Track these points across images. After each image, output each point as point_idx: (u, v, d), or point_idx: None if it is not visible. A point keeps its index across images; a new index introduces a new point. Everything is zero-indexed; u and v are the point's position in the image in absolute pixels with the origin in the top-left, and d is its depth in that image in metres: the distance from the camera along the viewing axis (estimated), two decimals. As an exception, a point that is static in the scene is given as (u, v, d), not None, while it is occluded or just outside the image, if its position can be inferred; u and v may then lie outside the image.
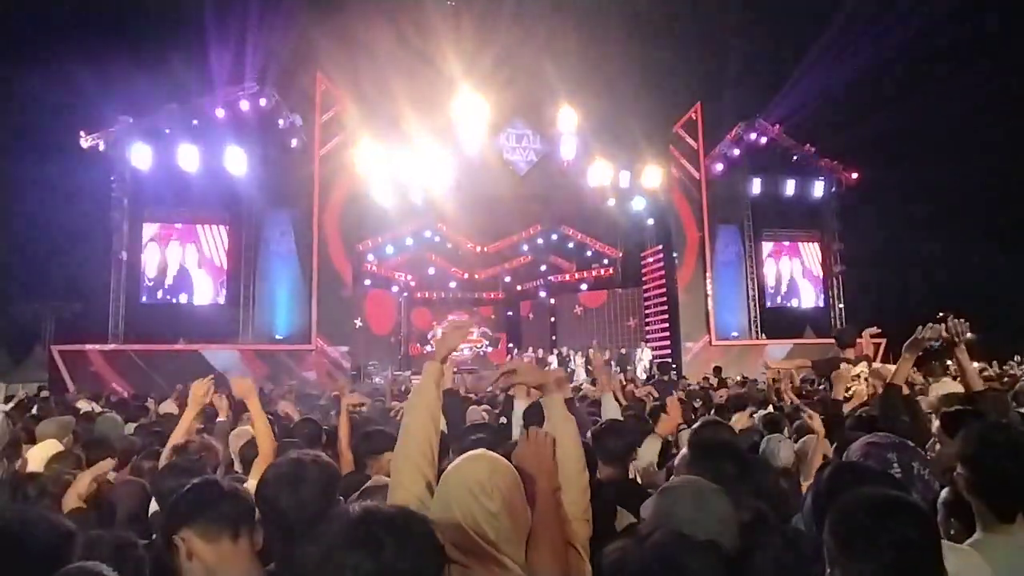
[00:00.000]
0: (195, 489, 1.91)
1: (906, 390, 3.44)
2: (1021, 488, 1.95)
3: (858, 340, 6.71)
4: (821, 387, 6.88)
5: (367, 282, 22.89)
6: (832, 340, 6.99)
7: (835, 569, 1.44)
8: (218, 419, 5.00)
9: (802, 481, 3.27)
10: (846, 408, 4.64)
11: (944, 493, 2.13)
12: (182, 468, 2.50)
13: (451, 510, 1.62)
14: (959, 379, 3.52)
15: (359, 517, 1.32)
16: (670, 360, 19.00)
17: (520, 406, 3.96)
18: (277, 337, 18.89)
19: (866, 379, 5.85)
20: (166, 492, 2.47)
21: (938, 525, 1.50)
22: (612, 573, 1.49)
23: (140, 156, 17.95)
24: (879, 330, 7.39)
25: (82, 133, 17.67)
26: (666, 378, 9.88)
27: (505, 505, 1.61)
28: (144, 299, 18.99)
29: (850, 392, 5.59)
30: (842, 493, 1.56)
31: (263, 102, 18.80)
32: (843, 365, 5.88)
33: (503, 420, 4.43)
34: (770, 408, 6.10)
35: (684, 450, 2.31)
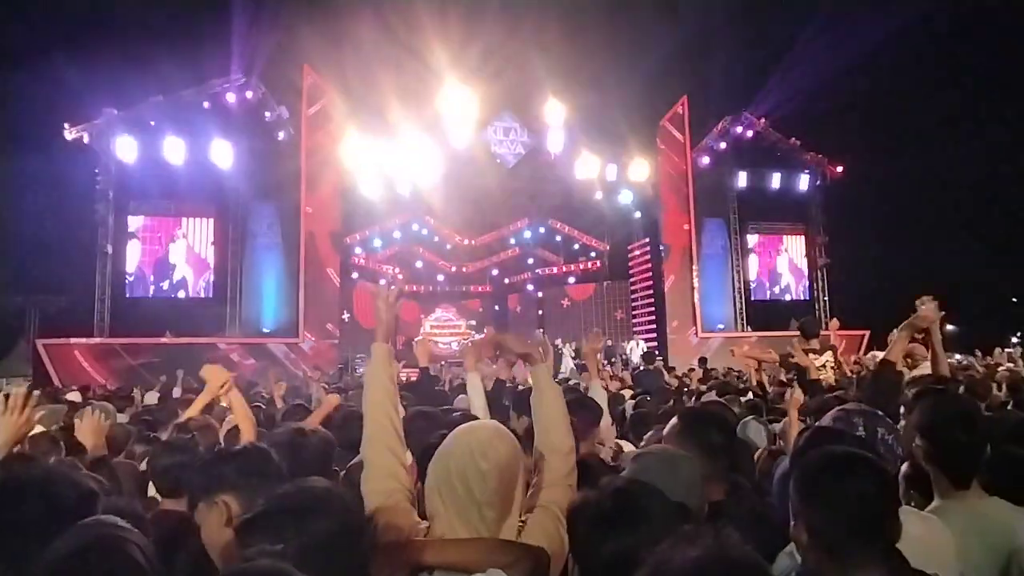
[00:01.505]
0: (243, 455, 1.97)
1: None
2: (974, 456, 2.07)
3: (823, 332, 6.91)
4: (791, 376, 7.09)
5: (355, 275, 22.88)
6: (814, 334, 7.15)
7: (798, 521, 1.52)
8: (219, 404, 5.06)
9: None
10: None
11: (904, 467, 2.24)
12: (177, 446, 2.55)
13: (448, 465, 1.71)
14: (931, 363, 3.63)
15: (280, 496, 1.45)
16: (656, 352, 19.13)
17: (474, 380, 3.93)
18: (264, 330, 18.88)
19: (832, 367, 6.03)
20: (160, 470, 2.53)
21: (896, 482, 1.60)
22: (575, 516, 1.58)
23: (125, 148, 17.83)
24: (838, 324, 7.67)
25: (66, 125, 17.51)
26: (652, 367, 9.99)
27: (497, 468, 1.68)
28: (130, 293, 18.89)
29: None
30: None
31: (250, 94, 18.77)
32: (809, 355, 6.07)
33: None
34: (750, 395, 6.24)
35: (673, 420, 2.39)
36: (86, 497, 1.50)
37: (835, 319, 7.35)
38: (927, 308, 3.29)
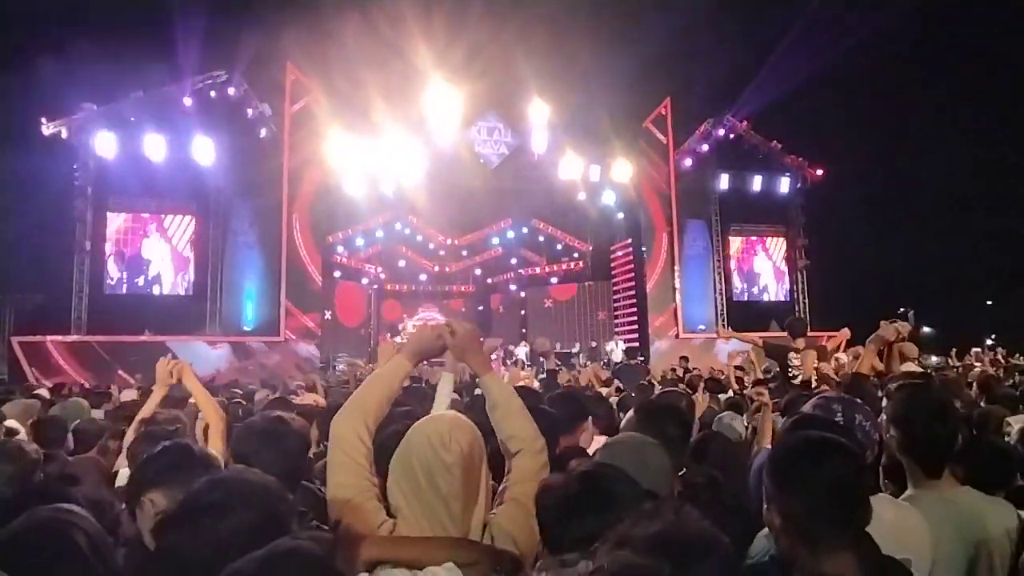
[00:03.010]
0: (168, 451, 1.92)
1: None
2: (947, 445, 2.12)
3: (827, 335, 6.97)
4: (771, 374, 7.15)
5: (337, 274, 22.78)
6: (800, 334, 7.21)
7: (771, 506, 1.54)
8: (189, 400, 5.05)
9: (754, 450, 3.42)
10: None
11: (884, 458, 2.29)
12: (158, 436, 2.53)
13: (411, 460, 1.69)
14: (883, 360, 3.79)
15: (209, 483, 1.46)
16: (638, 351, 19.26)
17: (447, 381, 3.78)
18: (245, 329, 18.73)
19: (814, 368, 6.09)
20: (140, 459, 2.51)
21: (867, 468, 1.62)
22: (540, 498, 1.59)
23: (105, 144, 17.61)
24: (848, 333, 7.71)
25: (43, 120, 17.28)
26: (633, 363, 10.05)
27: (461, 460, 1.66)
28: (108, 290, 18.67)
29: (796, 379, 5.82)
30: (791, 440, 1.67)
31: (232, 91, 18.60)
32: (791, 354, 6.12)
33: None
34: (730, 393, 6.30)
35: (630, 413, 2.41)
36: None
37: (846, 328, 7.42)
38: (886, 328, 3.59)
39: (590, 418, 3.22)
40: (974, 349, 12.53)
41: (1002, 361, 10.52)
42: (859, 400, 2.22)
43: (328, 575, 1.16)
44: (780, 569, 1.53)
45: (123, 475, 2.97)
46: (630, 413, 2.41)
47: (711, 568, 1.06)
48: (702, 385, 6.67)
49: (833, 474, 1.49)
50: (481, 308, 28.24)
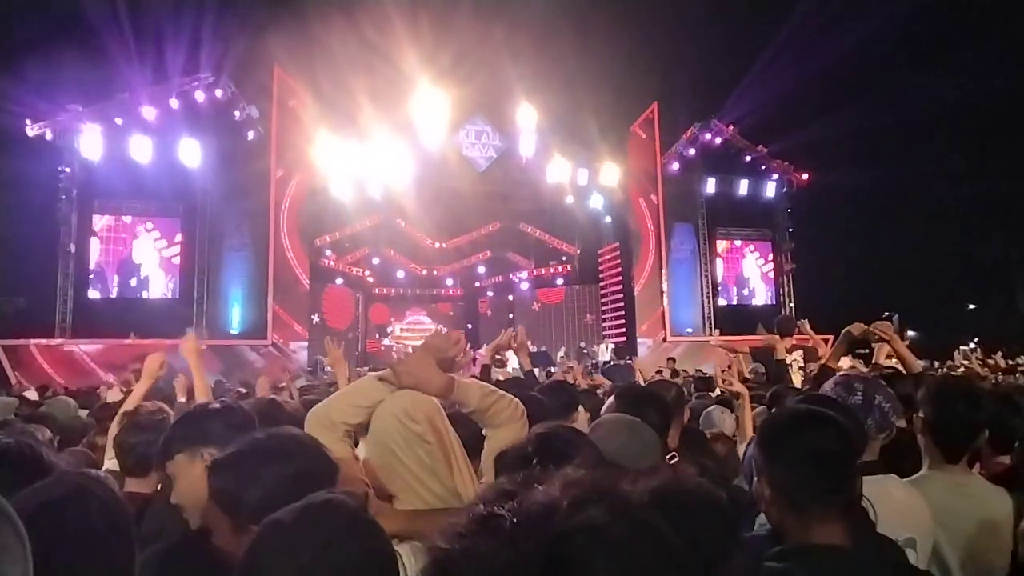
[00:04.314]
0: (228, 411, 2.02)
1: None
2: (972, 433, 2.21)
3: (799, 331, 7.01)
4: (762, 374, 7.20)
5: (324, 277, 22.69)
6: (789, 333, 7.26)
7: (761, 478, 1.57)
8: (177, 400, 5.02)
9: (738, 444, 3.45)
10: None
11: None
12: (143, 426, 2.53)
13: (386, 444, 1.71)
14: (901, 365, 3.80)
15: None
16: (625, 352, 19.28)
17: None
18: (232, 332, 18.62)
19: (800, 368, 6.13)
20: (127, 447, 2.51)
21: (856, 442, 1.65)
22: (498, 459, 1.63)
23: (90, 146, 17.48)
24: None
25: (28, 121, 17.13)
26: (622, 362, 10.08)
27: (429, 426, 1.71)
28: (92, 293, 18.52)
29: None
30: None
31: (219, 93, 18.53)
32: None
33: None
34: (717, 391, 6.35)
35: (611, 399, 2.41)
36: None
37: (804, 320, 7.43)
38: (857, 326, 3.60)
39: (581, 409, 3.24)
40: (962, 347, 12.65)
41: (1000, 363, 10.41)
42: (882, 381, 2.26)
43: (362, 525, 1.22)
44: (774, 541, 1.55)
45: (109, 466, 2.95)
46: (610, 399, 2.41)
47: (712, 520, 1.09)
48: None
49: (816, 443, 1.51)
50: (469, 311, 28.23)
